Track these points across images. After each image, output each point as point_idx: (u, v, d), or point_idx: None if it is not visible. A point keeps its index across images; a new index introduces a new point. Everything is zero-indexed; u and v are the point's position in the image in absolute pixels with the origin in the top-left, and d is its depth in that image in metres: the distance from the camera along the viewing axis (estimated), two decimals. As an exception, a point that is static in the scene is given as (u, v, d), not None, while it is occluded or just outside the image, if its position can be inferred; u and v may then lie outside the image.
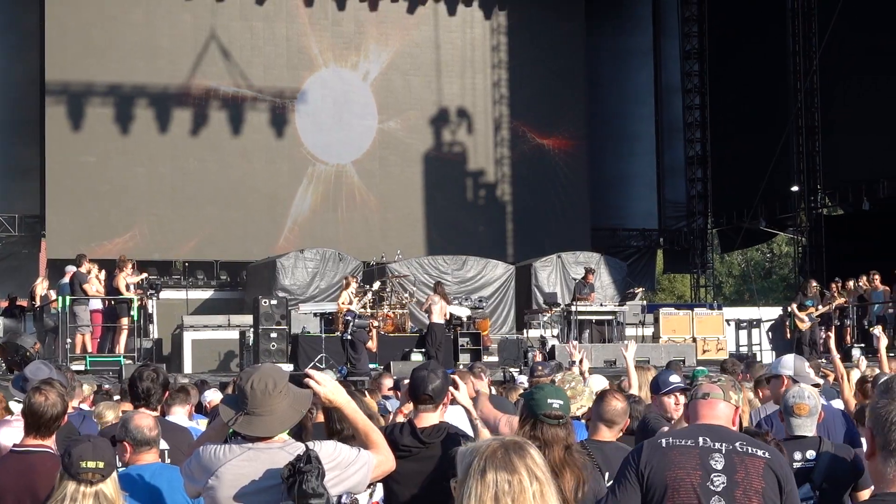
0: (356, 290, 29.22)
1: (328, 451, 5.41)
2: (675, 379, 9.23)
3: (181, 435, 8.37)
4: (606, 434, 7.30)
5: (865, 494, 7.10)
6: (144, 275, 29.53)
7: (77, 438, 6.37)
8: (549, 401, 6.47)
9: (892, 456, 3.43)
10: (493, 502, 3.84)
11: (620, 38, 46.18)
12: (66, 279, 27.19)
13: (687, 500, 5.66)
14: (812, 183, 41.23)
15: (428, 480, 6.66)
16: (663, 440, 5.90)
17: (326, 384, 5.71)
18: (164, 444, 8.04)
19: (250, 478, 5.43)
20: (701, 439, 5.81)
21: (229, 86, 39.66)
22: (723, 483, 5.66)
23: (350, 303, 28.04)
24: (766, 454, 5.83)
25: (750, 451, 5.80)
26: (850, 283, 31.86)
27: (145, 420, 7.33)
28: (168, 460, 8.01)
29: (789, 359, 9.63)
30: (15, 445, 7.17)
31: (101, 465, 5.94)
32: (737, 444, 5.83)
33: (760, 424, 8.98)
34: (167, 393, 9.07)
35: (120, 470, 7.35)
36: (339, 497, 6.26)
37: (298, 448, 5.42)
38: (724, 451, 5.76)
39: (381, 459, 5.75)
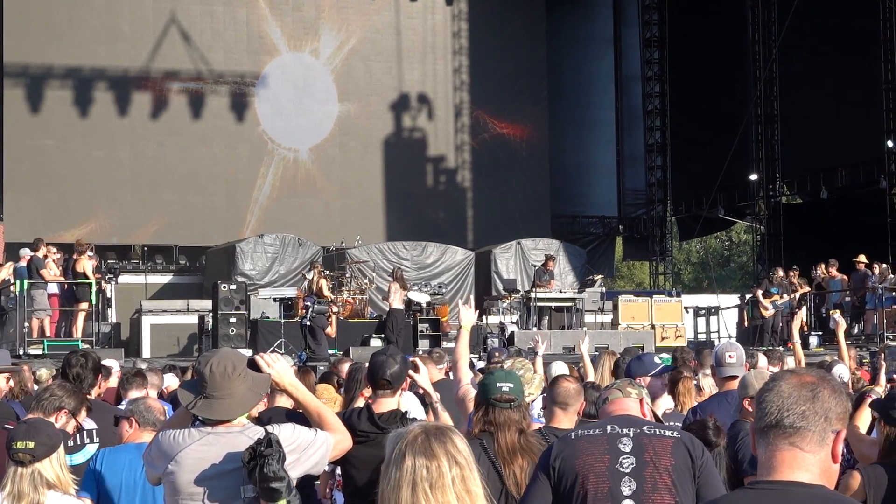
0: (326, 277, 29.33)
1: (287, 434, 5.42)
2: (657, 360, 9.32)
3: (109, 414, 8.34)
4: (562, 418, 7.29)
5: None
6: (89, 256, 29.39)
7: (23, 420, 6.42)
8: (499, 385, 6.51)
9: (761, 436, 3.49)
10: (409, 488, 3.82)
11: (581, 26, 46.26)
12: (23, 263, 27.03)
13: (596, 483, 5.66)
14: (771, 171, 41.42)
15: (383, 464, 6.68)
16: (573, 434, 5.94)
17: (274, 366, 5.71)
18: (91, 423, 8.06)
19: (210, 462, 5.42)
20: (609, 427, 5.85)
21: (189, 70, 39.50)
22: (631, 464, 5.67)
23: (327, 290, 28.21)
24: (675, 434, 5.87)
25: (658, 432, 5.83)
26: (792, 275, 32.01)
27: (157, 404, 7.38)
28: (97, 439, 8.02)
29: (716, 347, 9.74)
30: (9, 423, 7.27)
31: (30, 445, 5.99)
32: (644, 427, 5.86)
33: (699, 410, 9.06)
34: (99, 376, 9.06)
35: (93, 445, 7.40)
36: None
37: (258, 432, 5.43)
38: (632, 435, 5.77)
39: (339, 439, 5.77)
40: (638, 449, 5.72)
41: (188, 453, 5.47)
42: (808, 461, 3.43)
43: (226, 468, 5.41)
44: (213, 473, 5.42)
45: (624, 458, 5.69)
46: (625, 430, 5.80)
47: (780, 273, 32.04)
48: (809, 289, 31.61)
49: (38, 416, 7.18)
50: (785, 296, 31.00)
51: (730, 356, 9.27)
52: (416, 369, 7.40)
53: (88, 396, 8.44)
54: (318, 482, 8.51)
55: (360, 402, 7.71)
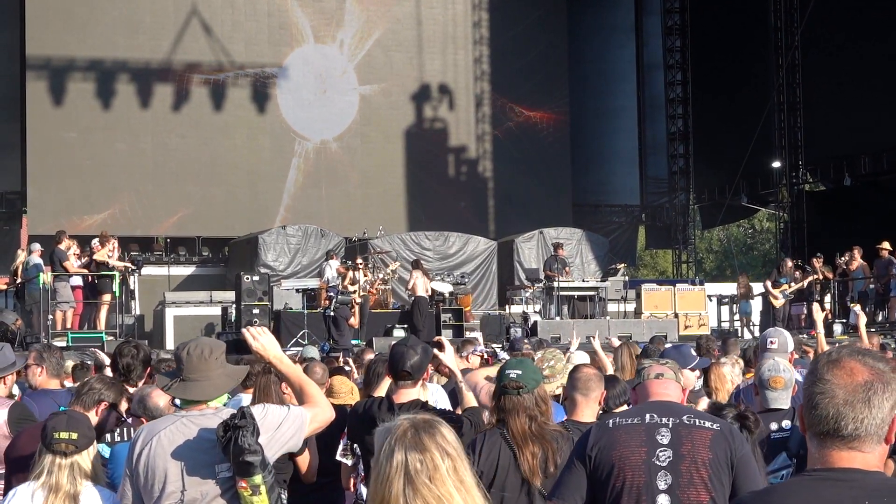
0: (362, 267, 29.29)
1: (256, 414, 5.45)
2: (693, 353, 9.30)
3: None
4: (584, 407, 7.24)
5: None
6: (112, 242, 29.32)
7: (56, 413, 6.43)
8: (508, 371, 6.52)
9: (815, 437, 3.45)
10: (403, 481, 3.81)
11: (602, 14, 46.18)
12: (36, 256, 27.07)
13: (632, 477, 5.60)
14: (793, 159, 41.28)
15: None
16: (610, 421, 5.84)
17: (260, 339, 5.76)
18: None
19: (184, 443, 5.47)
20: (648, 416, 5.76)
21: (210, 61, 39.55)
22: (668, 457, 5.60)
23: (354, 281, 28.15)
24: (715, 425, 5.76)
25: (697, 423, 5.73)
26: (815, 263, 32.03)
27: (162, 397, 7.38)
28: None
29: (774, 333, 9.65)
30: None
31: (74, 436, 6.01)
32: (684, 417, 5.76)
33: (737, 397, 9.03)
34: (149, 369, 9.08)
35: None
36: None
37: (232, 413, 5.48)
38: (670, 426, 5.69)
39: (317, 411, 5.78)
40: (676, 441, 5.64)
41: (163, 436, 5.51)
42: (867, 457, 3.42)
43: (200, 447, 5.46)
44: (187, 454, 5.46)
45: (661, 451, 5.62)
46: (664, 420, 5.73)
47: (790, 264, 32.09)
48: (817, 276, 31.55)
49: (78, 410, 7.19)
50: (793, 284, 31.08)
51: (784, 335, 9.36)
52: (441, 348, 7.41)
53: (134, 387, 8.48)
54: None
55: (383, 389, 7.67)
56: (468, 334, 26.99)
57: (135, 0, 38.93)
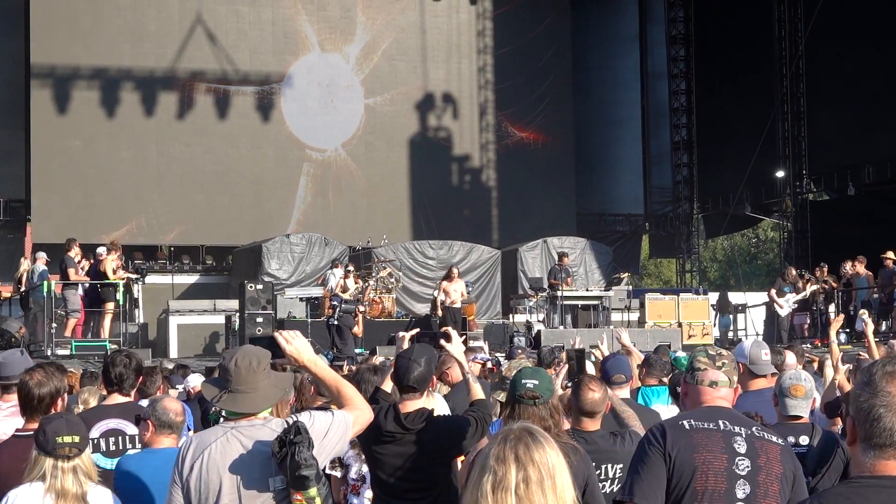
0: (355, 276, 29.28)
1: (305, 422, 5.44)
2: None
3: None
4: (589, 425, 7.27)
5: None
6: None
7: (49, 416, 6.40)
8: (524, 381, 6.53)
9: (872, 448, 3.46)
10: (502, 493, 3.82)
11: (606, 23, 46.18)
12: (41, 264, 27.04)
13: (715, 482, 5.60)
14: (797, 168, 41.28)
15: (410, 462, 6.74)
16: (685, 422, 5.78)
17: (293, 342, 5.74)
18: (133, 429, 7.99)
19: (236, 456, 5.46)
20: (721, 423, 5.76)
21: (215, 70, 39.57)
22: (747, 467, 5.63)
23: (345, 289, 28.09)
24: (780, 441, 5.83)
25: (766, 437, 5.79)
26: (819, 272, 32.02)
27: (175, 404, 7.34)
28: (139, 445, 7.95)
29: (746, 346, 9.66)
30: (17, 430, 7.20)
31: (76, 439, 6.01)
32: (753, 429, 5.81)
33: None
34: (140, 377, 9.06)
35: (135, 451, 7.40)
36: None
37: (281, 423, 5.47)
38: (744, 436, 5.72)
39: (358, 413, 5.79)
40: (752, 452, 5.67)
41: (215, 448, 5.50)
42: None
43: (253, 461, 5.44)
44: (240, 468, 5.45)
45: (740, 460, 5.63)
46: (737, 429, 5.73)
47: (793, 272, 32.08)
48: (819, 286, 31.53)
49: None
50: (797, 294, 31.09)
51: (765, 354, 9.27)
52: (448, 339, 7.42)
53: (127, 396, 8.47)
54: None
55: (388, 384, 7.65)
56: (472, 343, 27.00)
57: (139, 9, 38.98)
